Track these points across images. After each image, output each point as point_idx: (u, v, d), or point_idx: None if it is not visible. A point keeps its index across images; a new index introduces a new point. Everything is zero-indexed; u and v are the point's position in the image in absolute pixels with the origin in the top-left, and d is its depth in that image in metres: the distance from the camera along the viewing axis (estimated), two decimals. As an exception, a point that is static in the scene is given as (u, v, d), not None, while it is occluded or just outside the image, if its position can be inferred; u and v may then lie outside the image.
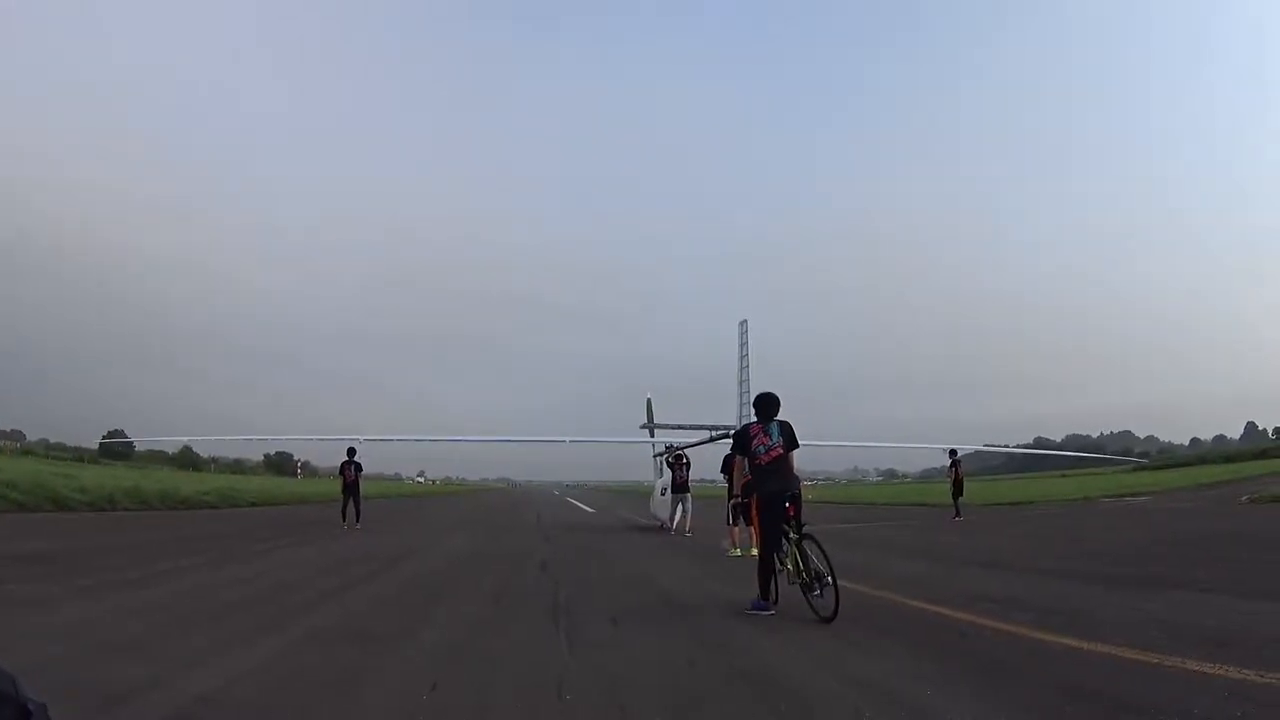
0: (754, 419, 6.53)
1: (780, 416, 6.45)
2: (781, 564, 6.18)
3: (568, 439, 23.95)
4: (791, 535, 6.10)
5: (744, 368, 17.29)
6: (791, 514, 6.11)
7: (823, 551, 5.87)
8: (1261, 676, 3.71)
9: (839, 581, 5.73)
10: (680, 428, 19.77)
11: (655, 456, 19.79)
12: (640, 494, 23.45)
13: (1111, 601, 6.23)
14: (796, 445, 6.37)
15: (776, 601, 6.20)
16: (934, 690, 3.75)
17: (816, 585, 5.82)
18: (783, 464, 6.27)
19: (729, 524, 11.84)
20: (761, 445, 6.33)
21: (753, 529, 11.19)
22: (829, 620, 5.59)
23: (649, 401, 20.32)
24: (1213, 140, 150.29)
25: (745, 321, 17.80)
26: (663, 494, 17.77)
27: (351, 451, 17.14)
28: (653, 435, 20.33)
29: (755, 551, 10.70)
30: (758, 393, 6.57)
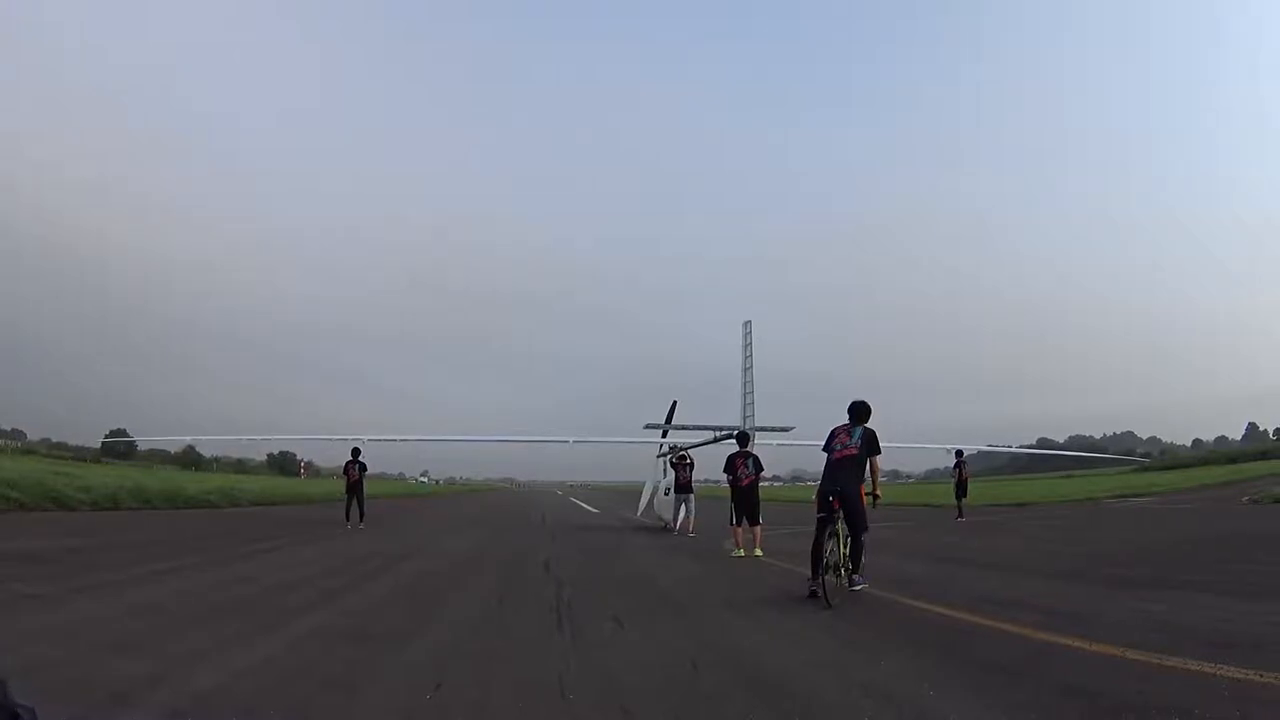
0: (845, 422, 7.05)
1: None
2: (824, 555, 6.70)
3: (571, 439, 23.90)
4: (836, 528, 6.65)
5: (748, 368, 17.31)
6: (836, 507, 6.62)
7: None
8: (1261, 676, 3.73)
9: (836, 579, 6.54)
10: (685, 428, 19.76)
11: (659, 457, 19.83)
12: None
13: (1113, 602, 6.24)
14: (875, 450, 6.91)
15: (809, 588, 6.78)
16: (935, 690, 3.77)
17: (833, 574, 6.51)
18: (849, 464, 6.80)
19: (732, 524, 11.86)
20: (839, 443, 6.91)
21: (756, 530, 11.37)
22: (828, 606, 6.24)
23: (673, 405, 20.22)
24: (1213, 137, 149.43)
25: (749, 322, 17.86)
26: (666, 493, 17.83)
27: (356, 452, 17.25)
28: (664, 436, 20.29)
29: (759, 552, 10.88)
30: (855, 400, 7.07)
